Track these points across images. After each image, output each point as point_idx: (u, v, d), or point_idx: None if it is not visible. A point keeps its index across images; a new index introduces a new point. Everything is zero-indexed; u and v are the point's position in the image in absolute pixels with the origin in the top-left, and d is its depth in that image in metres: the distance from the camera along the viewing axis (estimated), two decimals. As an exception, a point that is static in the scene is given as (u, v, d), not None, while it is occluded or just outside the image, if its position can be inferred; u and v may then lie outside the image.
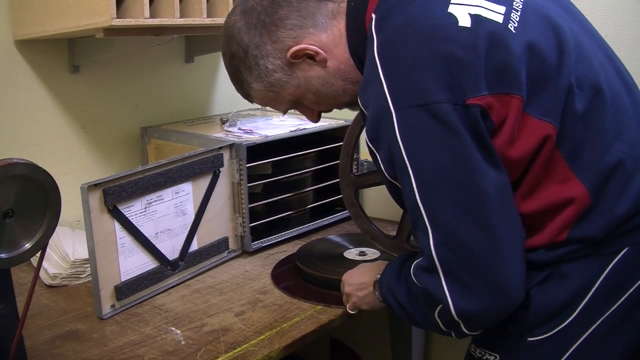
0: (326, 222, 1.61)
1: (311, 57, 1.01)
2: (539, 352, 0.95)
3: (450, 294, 0.88)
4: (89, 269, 1.19)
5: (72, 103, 1.54)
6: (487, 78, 0.86)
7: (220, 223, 1.41)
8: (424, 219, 0.88)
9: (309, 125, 1.56)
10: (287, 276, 1.33)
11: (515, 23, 0.89)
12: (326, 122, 1.60)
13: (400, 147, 0.87)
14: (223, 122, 1.60)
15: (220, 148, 1.38)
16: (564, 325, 0.93)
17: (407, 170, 0.87)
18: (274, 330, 1.11)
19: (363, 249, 1.38)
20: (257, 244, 1.46)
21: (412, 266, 0.95)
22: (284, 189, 1.52)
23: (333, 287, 1.23)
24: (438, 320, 0.93)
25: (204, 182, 1.36)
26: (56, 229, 0.89)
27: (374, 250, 1.37)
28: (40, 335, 1.10)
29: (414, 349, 1.75)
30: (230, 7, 1.30)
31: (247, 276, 1.34)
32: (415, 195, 0.88)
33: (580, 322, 0.93)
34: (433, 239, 0.88)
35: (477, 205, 0.86)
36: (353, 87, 1.03)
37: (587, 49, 0.94)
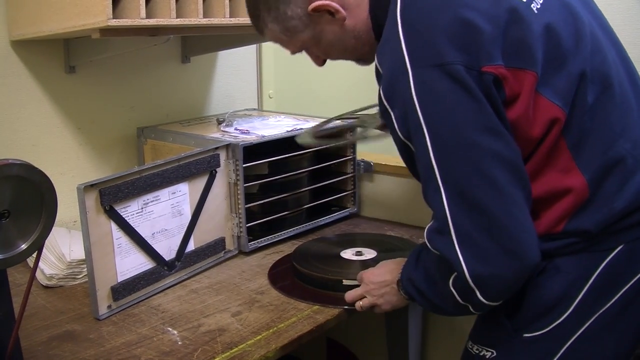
0: (323, 222, 1.61)
1: (331, 13, 1.01)
2: (534, 347, 0.96)
3: (463, 256, 0.87)
4: (86, 269, 1.19)
5: (68, 103, 1.54)
6: (503, 50, 0.87)
7: (216, 223, 1.41)
8: (436, 179, 0.88)
9: (305, 126, 1.56)
10: (283, 276, 1.33)
11: (538, 5, 0.91)
12: (322, 122, 1.60)
13: (415, 105, 0.88)
14: (219, 123, 1.60)
15: (217, 148, 1.38)
16: (559, 321, 0.94)
17: (422, 128, 0.88)
18: (270, 331, 1.11)
19: (359, 249, 1.38)
20: (253, 244, 1.46)
21: (426, 230, 0.94)
22: (280, 189, 1.52)
23: (330, 287, 1.23)
24: (454, 291, 0.92)
25: (201, 183, 1.36)
26: (52, 230, 0.88)
27: (371, 250, 1.37)
28: (36, 336, 1.10)
29: (410, 349, 1.75)
30: (227, 7, 1.31)
31: (243, 276, 1.34)
32: (429, 154, 0.88)
33: (575, 318, 0.94)
34: (446, 198, 0.88)
35: (490, 166, 0.86)
36: (364, 47, 1.04)
37: (602, 43, 0.95)
